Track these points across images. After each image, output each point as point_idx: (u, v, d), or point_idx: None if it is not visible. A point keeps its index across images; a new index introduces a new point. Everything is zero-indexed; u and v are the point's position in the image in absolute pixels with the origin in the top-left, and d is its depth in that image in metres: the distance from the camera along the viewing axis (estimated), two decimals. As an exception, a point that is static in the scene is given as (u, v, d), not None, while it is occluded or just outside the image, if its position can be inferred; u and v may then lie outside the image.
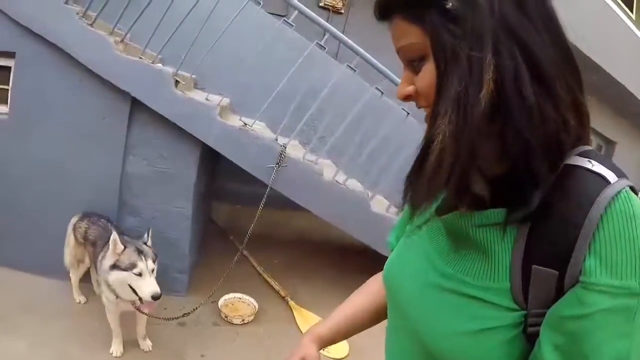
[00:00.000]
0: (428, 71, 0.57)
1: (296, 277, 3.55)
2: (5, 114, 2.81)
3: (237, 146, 2.88)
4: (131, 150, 2.87)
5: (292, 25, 2.98)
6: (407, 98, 0.62)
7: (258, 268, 3.50)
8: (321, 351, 2.58)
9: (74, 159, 2.81)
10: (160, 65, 2.86)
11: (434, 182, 0.54)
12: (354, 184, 3.32)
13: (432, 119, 0.55)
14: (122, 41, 2.81)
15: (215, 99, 2.96)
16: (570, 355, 0.50)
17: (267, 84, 3.25)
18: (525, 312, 0.53)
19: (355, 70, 3.15)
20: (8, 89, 2.82)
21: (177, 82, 2.82)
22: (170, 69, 2.79)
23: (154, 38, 2.73)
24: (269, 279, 3.37)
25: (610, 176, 0.52)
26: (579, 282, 0.48)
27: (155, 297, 2.03)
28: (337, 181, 3.12)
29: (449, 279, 0.61)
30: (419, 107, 0.62)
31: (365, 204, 3.20)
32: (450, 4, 0.53)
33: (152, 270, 2.12)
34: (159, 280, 2.17)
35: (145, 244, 2.27)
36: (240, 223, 4.16)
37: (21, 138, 2.79)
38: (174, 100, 2.75)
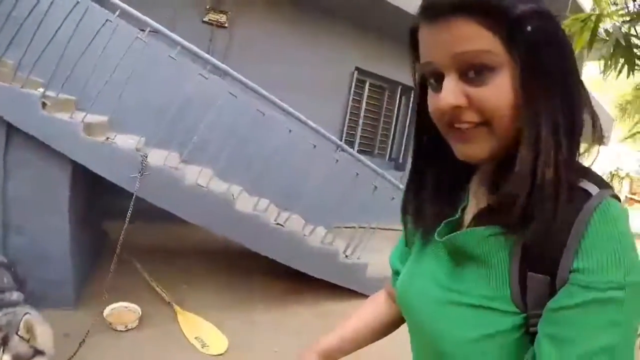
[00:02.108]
0: (503, 88, 0.57)
1: (186, 285, 3.78)
2: None
3: (102, 159, 3.10)
4: (10, 173, 2.99)
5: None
6: (452, 109, 0.60)
7: (145, 276, 3.68)
8: (201, 348, 2.82)
9: None
10: (28, 90, 2.97)
11: (512, 206, 0.57)
12: (220, 187, 3.60)
13: (524, 138, 0.57)
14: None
15: (81, 117, 3.12)
16: (563, 343, 0.53)
17: (145, 100, 3.47)
18: (525, 314, 0.58)
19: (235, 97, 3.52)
20: None
21: (44, 104, 2.97)
22: (35, 92, 2.95)
23: (36, 62, 2.90)
24: (155, 286, 3.58)
25: (593, 189, 0.57)
26: (569, 281, 0.54)
27: None
28: (199, 184, 3.39)
29: (454, 292, 0.65)
30: (456, 119, 0.61)
31: (229, 204, 3.50)
32: (530, 27, 0.56)
33: None
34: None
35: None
36: (137, 239, 4.34)
37: None
38: (41, 120, 2.92)
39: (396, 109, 7.82)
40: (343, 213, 4.34)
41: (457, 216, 0.70)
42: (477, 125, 0.59)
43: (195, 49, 3.33)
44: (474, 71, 0.57)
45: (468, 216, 0.69)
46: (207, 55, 3.45)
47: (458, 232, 0.66)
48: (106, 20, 3.02)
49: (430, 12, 0.59)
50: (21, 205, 3.00)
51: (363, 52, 6.79)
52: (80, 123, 3.03)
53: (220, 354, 2.97)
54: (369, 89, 7.32)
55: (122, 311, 3.16)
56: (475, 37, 0.56)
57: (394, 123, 7.84)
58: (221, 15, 5.37)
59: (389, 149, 7.91)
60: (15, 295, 2.12)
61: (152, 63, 3.54)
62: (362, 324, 0.95)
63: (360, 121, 7.29)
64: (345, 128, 7.03)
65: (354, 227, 4.24)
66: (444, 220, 0.71)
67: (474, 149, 0.61)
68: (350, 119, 7.12)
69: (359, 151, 7.07)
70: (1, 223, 2.98)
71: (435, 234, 0.70)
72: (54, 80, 3.00)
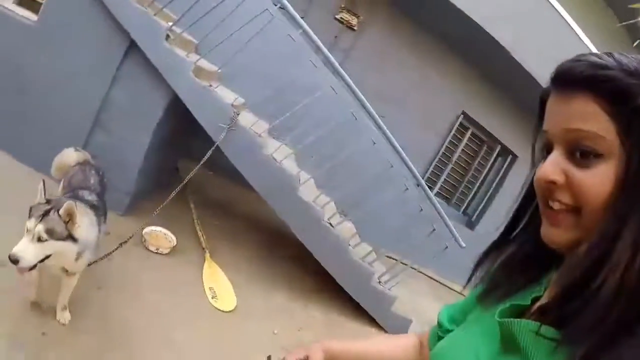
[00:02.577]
0: (604, 177, 0.53)
1: (226, 242, 3.95)
2: (34, 21, 3.44)
3: (199, 101, 3.36)
4: (118, 80, 3.37)
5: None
6: (547, 183, 0.58)
7: (194, 217, 3.92)
8: (210, 298, 2.96)
9: (75, 73, 3.35)
10: (159, 19, 3.32)
11: (595, 311, 0.51)
12: (292, 168, 3.71)
13: (600, 235, 0.53)
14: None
15: (195, 59, 3.42)
16: None
17: (255, 67, 3.75)
18: None
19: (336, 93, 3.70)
20: (41, 3, 3.45)
21: (168, 36, 3.30)
22: (164, 23, 3.29)
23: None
24: (198, 229, 3.79)
25: None
26: None
27: (10, 258, 1.83)
28: (274, 158, 3.53)
29: None
30: (549, 196, 0.59)
31: (293, 186, 3.62)
32: None
33: (35, 232, 1.89)
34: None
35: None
36: (203, 185, 4.71)
37: (42, 45, 3.36)
38: (161, 49, 3.26)
39: (488, 166, 7.56)
40: (393, 241, 4.31)
41: (527, 303, 0.64)
42: (568, 211, 0.57)
43: (314, 36, 3.52)
44: (580, 152, 0.55)
45: (535, 306, 0.64)
46: (322, 47, 3.61)
47: (517, 319, 0.61)
48: None
49: (558, 81, 0.58)
50: (116, 110, 3.36)
51: (474, 99, 6.68)
52: (192, 63, 3.31)
53: (223, 311, 3.10)
54: (469, 137, 7.15)
55: (160, 235, 3.41)
56: (592, 118, 0.53)
57: (480, 179, 7.59)
58: (353, 17, 5.58)
59: (466, 204, 7.65)
60: (90, 197, 2.35)
61: (273, 36, 3.74)
62: (376, 349, 0.94)
63: (449, 165, 7.14)
64: (432, 166, 6.93)
65: (395, 260, 4.21)
66: (511, 300, 0.66)
67: (557, 233, 0.59)
68: (440, 159, 7.00)
69: (437, 194, 6.96)
70: (94, 118, 3.36)
71: (497, 312, 0.65)
72: (183, 19, 3.32)
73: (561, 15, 5.79)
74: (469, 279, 0.75)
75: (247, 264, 3.80)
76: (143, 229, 3.26)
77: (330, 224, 3.82)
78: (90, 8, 3.26)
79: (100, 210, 2.32)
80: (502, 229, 0.73)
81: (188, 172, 3.42)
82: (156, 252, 3.29)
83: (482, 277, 0.73)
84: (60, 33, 3.35)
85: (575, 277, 0.54)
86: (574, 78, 0.55)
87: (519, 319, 0.60)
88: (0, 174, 3.24)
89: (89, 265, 2.33)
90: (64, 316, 2.36)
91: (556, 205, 0.57)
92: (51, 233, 1.92)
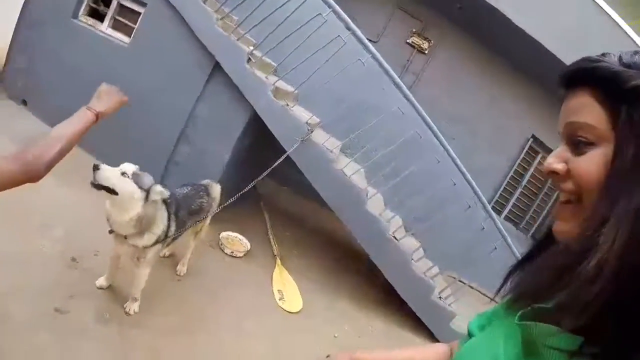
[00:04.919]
0: (595, 162, 0.57)
1: (296, 251, 4.27)
2: (127, 43, 4.00)
3: (276, 119, 3.72)
4: (203, 98, 3.83)
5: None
6: (551, 174, 0.61)
7: (268, 226, 4.30)
8: (278, 300, 3.28)
9: (164, 90, 3.84)
10: (241, 44, 3.74)
11: (578, 293, 0.52)
12: (360, 182, 3.95)
13: (589, 218, 0.55)
14: (222, 19, 3.76)
15: (273, 80, 3.79)
16: None
17: (329, 88, 4.07)
18: None
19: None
20: (134, 27, 4.01)
21: (249, 59, 3.70)
22: (246, 48, 3.70)
23: (254, 26, 3.69)
24: (271, 237, 4.15)
25: None
26: None
27: (94, 164, 2.16)
28: (344, 172, 3.79)
29: None
30: (557, 187, 0.62)
31: (361, 200, 3.86)
32: None
33: (125, 167, 2.26)
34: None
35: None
36: (276, 198, 5.13)
37: (134, 64, 3.89)
38: (242, 71, 3.68)
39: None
40: (455, 258, 4.43)
41: (549, 305, 0.62)
42: (572, 202, 0.60)
43: (382, 61, 3.78)
44: (577, 142, 0.59)
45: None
46: (390, 70, 3.86)
47: (536, 322, 0.61)
48: (317, 14, 3.59)
49: (563, 84, 0.63)
50: (201, 123, 3.81)
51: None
52: (271, 85, 3.69)
53: (288, 311, 3.38)
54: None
55: (235, 240, 3.80)
56: (585, 110, 0.58)
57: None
58: (424, 41, 5.81)
59: (535, 228, 7.47)
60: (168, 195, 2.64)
61: (346, 60, 3.96)
62: (407, 354, 0.97)
63: (519, 189, 7.05)
64: (501, 189, 6.89)
65: (454, 278, 4.34)
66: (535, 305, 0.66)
67: (562, 226, 0.62)
68: (509, 182, 6.95)
69: (506, 217, 6.89)
70: (180, 132, 3.82)
71: (517, 315, 0.66)
72: (263, 44, 3.72)
73: (632, 40, 5.67)
74: (499, 289, 0.76)
75: (314, 273, 4.07)
76: (219, 235, 3.62)
77: (395, 237, 4.00)
78: (178, 32, 3.75)
79: (171, 209, 2.57)
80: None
81: (264, 187, 3.76)
82: (231, 255, 3.65)
83: (513, 287, 0.74)
84: (150, 54, 3.87)
85: (564, 260, 0.57)
86: (572, 75, 0.61)
87: (538, 322, 0.61)
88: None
89: (161, 242, 2.54)
90: (132, 307, 2.64)
91: (563, 197, 0.62)
92: (136, 177, 2.23)
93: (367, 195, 3.91)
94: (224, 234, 3.75)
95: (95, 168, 2.13)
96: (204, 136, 3.82)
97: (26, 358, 2.19)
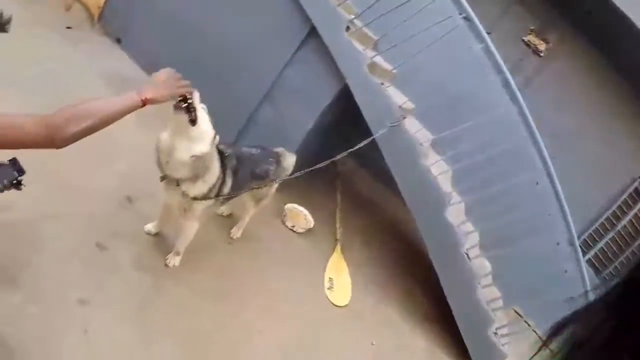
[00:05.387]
0: None
1: (359, 240, 4.01)
2: None
3: (368, 96, 3.39)
4: (294, 61, 3.58)
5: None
6: None
7: (338, 207, 4.07)
8: (326, 288, 3.03)
9: (255, 48, 3.66)
10: (342, 10, 3.43)
11: None
12: (445, 185, 3.56)
13: None
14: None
15: (371, 55, 3.47)
16: None
17: (429, 73, 3.69)
18: None
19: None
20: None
21: (348, 28, 3.39)
22: (347, 15, 3.39)
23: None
24: (338, 219, 3.92)
25: None
26: None
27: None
28: (430, 170, 3.42)
29: None
30: None
31: (442, 205, 3.47)
32: None
33: None
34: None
35: None
36: (354, 180, 4.91)
37: (228, 16, 3.74)
38: (339, 39, 3.37)
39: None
40: (525, 294, 4.08)
41: None
42: None
43: (497, 55, 3.36)
44: None
45: None
46: (504, 67, 3.43)
47: None
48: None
49: None
50: (288, 87, 3.59)
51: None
52: (368, 59, 3.36)
53: (333, 303, 3.15)
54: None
55: (300, 215, 3.55)
56: None
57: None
58: (541, 42, 5.27)
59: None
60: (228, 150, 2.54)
61: (453, 46, 3.62)
62: None
63: (611, 234, 6.29)
64: (592, 227, 6.18)
65: (519, 315, 4.02)
66: None
67: None
68: (602, 223, 6.20)
69: (588, 261, 6.17)
70: (265, 93, 3.63)
71: None
72: (366, 15, 3.40)
73: None
74: (547, 340, 0.60)
75: (370, 268, 3.79)
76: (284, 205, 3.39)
77: (468, 255, 3.58)
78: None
79: (229, 164, 2.45)
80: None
81: (343, 165, 3.50)
82: (291, 229, 3.50)
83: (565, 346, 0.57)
84: (246, 8, 3.67)
85: None
86: None
87: None
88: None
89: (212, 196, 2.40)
90: (173, 260, 2.58)
91: None
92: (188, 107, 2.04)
93: (449, 201, 3.50)
94: (289, 206, 3.55)
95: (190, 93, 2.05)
96: (289, 101, 3.60)
97: (54, 284, 2.18)
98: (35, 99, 2.61)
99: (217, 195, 2.43)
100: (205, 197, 2.34)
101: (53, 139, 1.35)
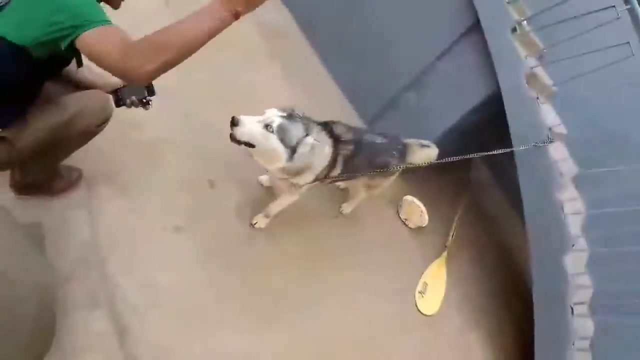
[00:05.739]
0: None
1: (467, 255, 3.80)
2: None
3: (518, 106, 3.10)
4: (449, 53, 3.42)
5: None
6: None
7: (458, 214, 3.86)
8: (417, 292, 2.85)
9: (412, 30, 3.54)
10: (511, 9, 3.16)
11: None
12: (574, 226, 3.17)
13: None
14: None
15: (533, 64, 3.14)
16: None
17: (599, 107, 3.43)
18: None
19: None
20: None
21: (515, 29, 3.12)
22: (515, 16, 3.12)
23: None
24: (454, 227, 3.73)
25: None
26: None
27: (233, 119, 2.01)
28: (562, 207, 3.07)
29: None
30: None
31: (563, 248, 3.12)
32: None
33: (271, 119, 2.08)
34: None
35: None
36: (481, 190, 4.65)
37: None
38: (503, 39, 3.11)
39: None
40: None
41: None
42: None
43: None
44: None
45: None
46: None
47: None
48: (609, 6, 2.74)
49: None
50: (437, 78, 3.47)
51: None
52: (528, 68, 3.08)
53: (418, 309, 3.05)
54: None
55: (416, 210, 3.43)
56: None
57: None
58: None
59: None
60: (348, 140, 2.41)
61: (628, 78, 3.23)
62: None
63: None
64: None
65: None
66: None
67: None
68: None
69: None
70: (413, 78, 3.54)
71: None
72: (537, 19, 3.13)
73: None
74: None
75: (469, 288, 3.60)
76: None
77: (572, 309, 3.20)
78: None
79: (343, 150, 2.33)
80: None
81: (476, 172, 3.36)
82: (403, 221, 3.44)
83: None
84: None
85: None
86: None
87: None
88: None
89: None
90: (260, 222, 2.55)
91: None
92: (281, 132, 2.01)
93: (573, 245, 3.13)
94: (408, 198, 3.44)
95: (234, 123, 1.97)
96: (436, 92, 3.46)
97: (158, 204, 2.35)
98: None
99: (325, 177, 2.37)
100: (312, 182, 2.31)
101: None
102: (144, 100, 2.06)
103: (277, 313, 2.37)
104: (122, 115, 2.06)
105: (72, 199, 2.15)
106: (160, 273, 2.12)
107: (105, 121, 1.85)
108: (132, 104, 2.05)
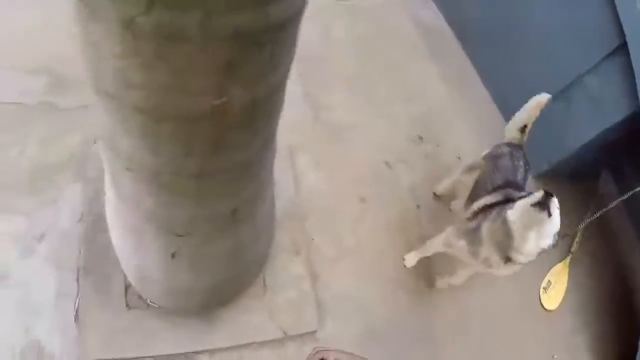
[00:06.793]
0: None
1: (587, 262, 3.81)
2: None
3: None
4: (597, 69, 3.51)
5: None
6: None
7: (584, 222, 3.43)
8: (542, 289, 3.08)
9: (563, 41, 3.68)
10: None
11: None
12: None
13: None
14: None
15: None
16: None
17: None
18: None
19: None
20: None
21: None
22: None
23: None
24: (579, 235, 3.75)
25: None
26: None
27: None
28: None
29: None
30: None
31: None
32: None
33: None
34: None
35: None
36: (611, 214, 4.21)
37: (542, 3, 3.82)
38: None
39: None
40: None
41: None
42: None
43: None
44: None
45: None
46: None
47: None
48: None
49: None
50: (580, 94, 3.60)
51: None
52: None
53: (541, 303, 3.29)
54: None
55: None
56: None
57: None
58: None
59: None
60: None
61: None
62: None
63: None
64: None
65: None
66: None
67: None
68: None
69: None
70: (559, 90, 3.62)
71: None
72: None
73: None
74: None
75: (585, 294, 3.64)
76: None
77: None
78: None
79: None
80: None
81: (608, 187, 3.66)
82: None
83: None
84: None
85: None
86: None
87: None
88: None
89: None
90: (410, 259, 2.92)
91: None
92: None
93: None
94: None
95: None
96: (578, 107, 3.56)
97: (348, 183, 2.96)
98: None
99: None
100: None
101: None
102: None
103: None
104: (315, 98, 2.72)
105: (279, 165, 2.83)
106: (347, 234, 2.70)
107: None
108: None
